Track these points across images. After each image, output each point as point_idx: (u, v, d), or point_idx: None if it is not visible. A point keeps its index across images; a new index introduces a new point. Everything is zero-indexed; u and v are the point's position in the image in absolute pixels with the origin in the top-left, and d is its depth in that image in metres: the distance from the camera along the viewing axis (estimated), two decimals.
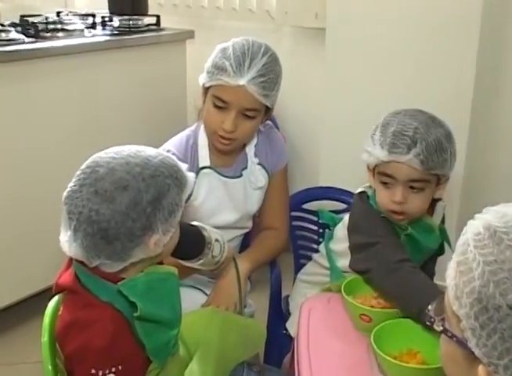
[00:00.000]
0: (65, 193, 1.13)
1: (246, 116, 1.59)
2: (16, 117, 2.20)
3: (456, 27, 2.09)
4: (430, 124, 1.40)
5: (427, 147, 1.37)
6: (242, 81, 1.54)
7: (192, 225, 1.41)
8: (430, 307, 0.81)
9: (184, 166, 1.21)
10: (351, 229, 1.54)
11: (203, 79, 1.62)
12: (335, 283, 1.54)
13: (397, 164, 1.40)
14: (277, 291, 1.88)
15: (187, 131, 1.73)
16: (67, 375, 1.17)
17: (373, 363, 1.24)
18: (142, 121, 2.61)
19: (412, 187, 1.41)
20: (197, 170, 1.67)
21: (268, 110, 1.66)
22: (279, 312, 1.87)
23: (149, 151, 1.18)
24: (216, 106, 1.59)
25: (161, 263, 1.24)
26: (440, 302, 0.80)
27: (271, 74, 1.58)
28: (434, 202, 1.52)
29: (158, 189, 1.11)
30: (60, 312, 1.18)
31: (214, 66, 1.58)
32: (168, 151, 1.53)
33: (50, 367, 1.17)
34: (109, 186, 1.09)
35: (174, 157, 1.21)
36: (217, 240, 1.43)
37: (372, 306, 1.37)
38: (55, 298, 1.26)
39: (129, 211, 1.09)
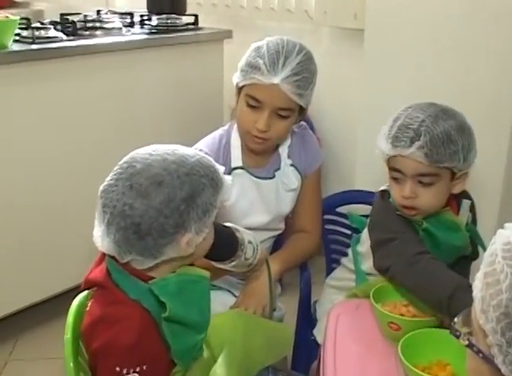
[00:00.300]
0: (101, 187, 1.14)
1: (279, 115, 1.57)
2: (53, 115, 2.23)
3: (501, 26, 2.02)
4: (441, 116, 1.36)
5: (431, 140, 1.33)
6: (276, 80, 1.52)
7: (225, 226, 1.39)
8: (456, 319, 0.77)
9: (221, 168, 1.20)
10: (371, 227, 1.51)
11: (236, 78, 1.61)
12: (359, 287, 1.51)
13: (402, 158, 1.37)
14: (306, 295, 1.85)
15: (220, 131, 1.72)
16: (91, 374, 1.16)
17: (400, 374, 1.20)
18: (178, 120, 2.61)
19: (421, 182, 1.38)
20: (229, 170, 1.65)
21: (302, 110, 1.63)
22: (307, 317, 1.84)
23: (186, 150, 1.17)
24: (249, 106, 1.57)
25: (192, 265, 1.22)
26: (467, 314, 0.76)
27: (305, 72, 1.56)
28: (459, 199, 1.48)
29: (193, 188, 1.11)
30: (88, 308, 1.18)
31: (248, 64, 1.56)
32: (201, 151, 1.51)
33: (72, 365, 1.16)
34: (144, 181, 1.09)
35: (211, 159, 1.20)
36: (250, 242, 1.41)
37: (402, 314, 1.34)
38: (80, 297, 1.26)
39: (162, 207, 1.08)
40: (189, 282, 1.16)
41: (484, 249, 1.39)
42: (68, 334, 1.20)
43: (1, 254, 2.20)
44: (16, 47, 2.14)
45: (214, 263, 1.37)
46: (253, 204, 1.68)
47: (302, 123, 1.77)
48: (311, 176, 1.78)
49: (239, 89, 1.61)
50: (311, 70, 1.59)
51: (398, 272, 1.34)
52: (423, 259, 1.32)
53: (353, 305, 1.48)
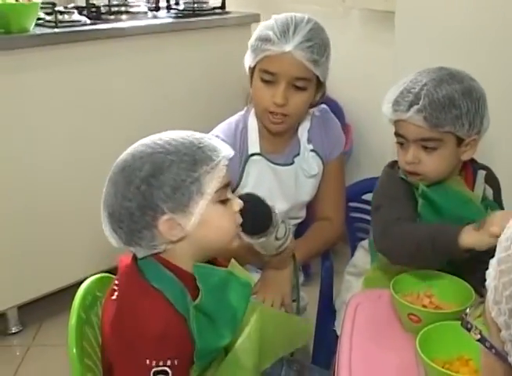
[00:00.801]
0: None
1: (296, 87, 1.51)
2: (77, 100, 2.21)
3: None
4: (446, 80, 1.32)
5: (430, 103, 1.30)
6: (288, 47, 1.47)
7: (260, 198, 1.33)
8: (468, 310, 0.69)
9: (216, 143, 1.11)
10: (372, 195, 1.49)
11: (248, 60, 1.56)
12: (373, 265, 1.47)
13: (404, 122, 1.34)
14: (328, 285, 1.78)
15: (236, 116, 1.66)
16: (104, 365, 1.13)
17: (420, 370, 1.13)
18: (204, 105, 2.56)
19: (425, 146, 1.34)
20: (246, 157, 1.59)
21: (319, 85, 1.57)
22: (329, 309, 1.76)
23: (175, 134, 1.10)
24: (264, 81, 1.52)
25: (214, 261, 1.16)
26: (479, 305, 0.68)
27: (317, 39, 1.50)
28: (475, 169, 1.43)
29: (154, 166, 1.04)
30: (110, 296, 1.12)
31: (258, 39, 1.51)
32: (217, 137, 1.46)
33: (75, 351, 1.13)
34: (115, 169, 1.08)
35: (200, 135, 1.11)
36: (283, 222, 1.36)
37: (424, 306, 1.26)
38: (88, 282, 1.23)
39: (125, 191, 1.05)
40: (236, 283, 1.12)
41: None
42: (73, 320, 1.16)
43: (26, 240, 2.20)
44: (39, 31, 2.13)
45: (243, 236, 1.30)
46: (271, 191, 1.61)
47: (323, 106, 1.70)
48: (333, 162, 1.71)
49: (252, 71, 1.56)
50: (324, 39, 1.54)
51: (375, 238, 1.34)
52: (401, 224, 1.31)
53: (373, 295, 1.41)
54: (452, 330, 1.14)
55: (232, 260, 1.18)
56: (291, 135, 1.65)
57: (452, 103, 1.31)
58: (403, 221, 1.33)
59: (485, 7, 2.05)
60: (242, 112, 1.67)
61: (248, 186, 1.59)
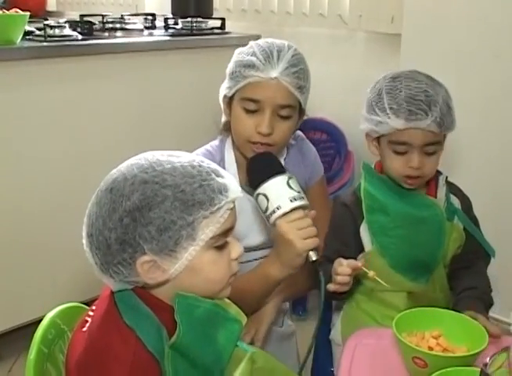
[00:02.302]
0: None
1: (281, 117, 1.42)
2: (64, 116, 2.11)
3: None
4: (433, 85, 1.37)
5: (441, 109, 1.34)
6: (274, 73, 1.39)
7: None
8: (488, 360, 0.56)
9: (231, 188, 0.96)
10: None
11: (225, 88, 1.47)
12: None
13: (414, 130, 1.34)
14: (326, 323, 1.59)
15: (210, 147, 1.56)
16: None
17: None
18: (201, 125, 2.43)
19: (426, 151, 1.37)
20: None
21: (300, 112, 1.49)
22: (327, 345, 1.61)
23: (181, 157, 0.96)
24: (247, 111, 1.42)
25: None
26: (501, 353, 0.55)
27: (301, 64, 1.44)
28: (436, 175, 1.47)
29: (144, 198, 0.90)
30: (85, 329, 0.99)
31: (239, 65, 1.42)
32: None
33: None
34: (103, 186, 0.95)
35: (213, 167, 0.97)
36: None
37: (430, 348, 1.13)
38: (53, 312, 1.09)
39: (106, 217, 0.91)
40: (223, 318, 0.98)
41: (480, 239, 1.46)
42: (32, 355, 1.02)
43: (4, 268, 2.07)
44: (27, 44, 2.03)
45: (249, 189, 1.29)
46: (248, 225, 1.52)
47: (299, 133, 1.64)
48: (314, 187, 1.64)
49: (229, 101, 1.47)
50: (306, 65, 1.47)
51: None
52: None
53: (374, 334, 1.28)
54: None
55: None
56: None
57: (449, 106, 1.37)
58: (325, 263, 1.35)
59: (495, 32, 1.99)
60: (214, 143, 1.57)
61: None
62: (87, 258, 0.99)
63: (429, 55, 2.12)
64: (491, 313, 1.89)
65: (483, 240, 1.49)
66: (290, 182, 1.27)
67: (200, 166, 0.95)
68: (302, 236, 1.25)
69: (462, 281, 1.45)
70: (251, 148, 1.44)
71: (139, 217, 0.90)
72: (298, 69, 1.42)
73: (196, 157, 0.98)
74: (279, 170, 1.29)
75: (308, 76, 1.46)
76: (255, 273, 1.38)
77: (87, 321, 1.00)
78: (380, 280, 1.27)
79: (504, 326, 2.11)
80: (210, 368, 0.96)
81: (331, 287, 1.28)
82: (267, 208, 1.26)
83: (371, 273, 1.27)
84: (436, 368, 1.02)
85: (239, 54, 1.46)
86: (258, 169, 1.31)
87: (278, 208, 1.25)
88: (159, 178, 0.91)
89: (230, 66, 1.46)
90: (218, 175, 0.96)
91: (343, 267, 1.28)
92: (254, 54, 1.41)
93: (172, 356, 0.92)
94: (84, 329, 0.99)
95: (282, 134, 1.44)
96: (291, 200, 1.25)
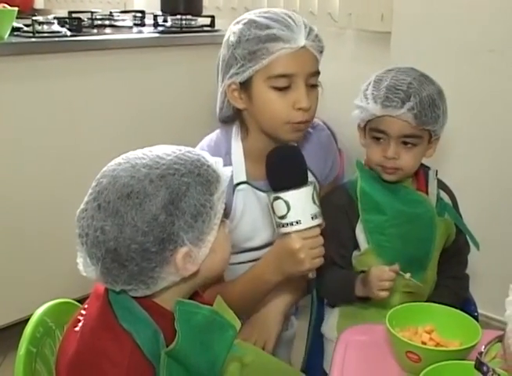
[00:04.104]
0: (76, 214, 0.95)
1: (311, 86, 1.33)
2: (52, 112, 2.09)
3: None
4: (423, 81, 1.39)
5: (420, 102, 1.35)
6: (302, 42, 1.28)
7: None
8: (483, 349, 0.56)
9: (215, 160, 0.98)
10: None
11: (235, 75, 1.33)
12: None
13: (390, 118, 1.37)
14: (319, 322, 1.58)
15: (214, 139, 1.46)
16: None
17: None
18: (188, 122, 2.43)
19: (404, 143, 1.38)
20: (233, 187, 1.41)
21: None
22: (319, 346, 1.58)
23: (163, 149, 0.96)
24: (278, 90, 1.30)
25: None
26: (495, 343, 0.54)
27: (313, 26, 1.34)
28: (425, 171, 1.49)
29: (172, 191, 0.90)
30: (78, 328, 0.98)
31: (258, 42, 1.27)
32: None
33: None
34: (111, 196, 0.90)
35: (199, 151, 0.98)
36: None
37: (423, 342, 1.12)
38: (42, 309, 1.07)
39: (137, 222, 0.88)
40: (219, 324, 0.98)
41: (467, 233, 1.48)
42: (22, 351, 1.00)
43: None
44: (15, 40, 2.01)
45: (273, 193, 1.20)
46: (255, 223, 1.46)
47: (318, 122, 1.56)
48: (326, 188, 1.54)
49: (243, 86, 1.33)
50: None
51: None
52: (328, 271, 1.40)
53: (366, 330, 1.27)
54: (457, 371, 1.00)
55: (219, 297, 1.03)
56: None
57: (433, 103, 1.37)
58: (329, 266, 1.37)
59: (483, 31, 2.00)
60: (218, 134, 1.47)
61: (234, 221, 1.42)
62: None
63: (419, 52, 2.12)
64: (484, 312, 1.90)
65: (470, 235, 1.50)
66: (315, 195, 1.22)
67: (191, 152, 0.97)
68: (312, 256, 1.23)
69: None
70: (290, 128, 1.33)
71: (174, 210, 0.89)
72: (316, 31, 1.33)
73: (178, 146, 0.98)
74: (306, 178, 1.22)
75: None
76: (249, 275, 1.35)
77: (79, 320, 0.99)
78: (415, 281, 1.34)
79: (494, 323, 2.13)
80: (204, 375, 0.96)
81: (380, 293, 1.30)
82: (284, 217, 1.21)
83: (407, 275, 1.32)
84: (429, 362, 1.02)
85: (246, 31, 1.30)
86: (284, 171, 1.21)
87: (297, 223, 1.21)
88: (171, 169, 0.92)
89: (244, 45, 1.29)
90: (206, 156, 0.99)
91: (387, 273, 1.29)
92: (268, 27, 1.28)
93: (168, 362, 0.91)
94: (77, 329, 0.97)
95: (315, 105, 1.36)
96: (312, 218, 1.22)
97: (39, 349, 1.04)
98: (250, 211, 1.44)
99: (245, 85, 1.33)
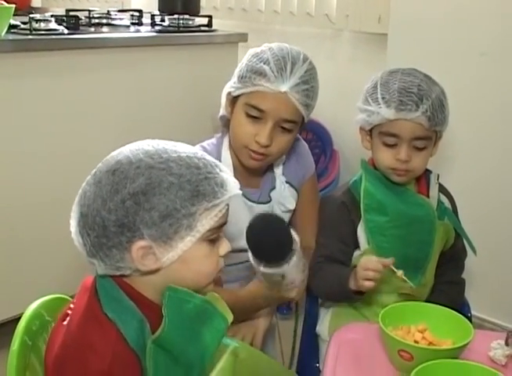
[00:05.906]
0: None
1: (283, 129, 1.39)
2: (49, 110, 2.07)
3: None
4: (429, 82, 1.39)
5: (432, 104, 1.36)
6: (284, 88, 1.35)
7: (283, 220, 1.22)
8: None
9: (231, 187, 0.96)
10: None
11: (232, 87, 1.42)
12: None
13: (403, 121, 1.36)
14: (312, 320, 1.58)
15: (206, 145, 1.51)
16: None
17: None
18: (185, 122, 2.43)
19: (415, 145, 1.39)
20: None
21: (302, 124, 1.46)
22: (313, 341, 1.60)
23: (184, 148, 0.96)
24: (249, 117, 1.39)
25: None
26: None
27: (313, 81, 1.41)
28: (427, 173, 1.49)
29: (149, 182, 0.90)
30: (66, 322, 0.98)
31: (250, 70, 1.38)
32: None
33: None
34: (104, 167, 0.94)
35: (218, 165, 0.98)
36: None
37: (415, 341, 1.13)
38: (36, 303, 1.07)
39: (107, 198, 0.90)
40: (211, 315, 0.97)
41: (465, 237, 1.50)
42: (15, 346, 1.00)
43: None
44: (12, 37, 2.00)
45: (256, 265, 1.19)
46: (240, 226, 1.46)
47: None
48: (306, 186, 1.60)
49: (233, 99, 1.43)
50: (317, 81, 1.45)
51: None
52: (324, 266, 1.43)
53: (359, 329, 1.28)
54: (449, 369, 1.01)
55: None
56: (267, 170, 1.54)
57: (442, 104, 1.39)
58: (328, 262, 1.42)
59: (481, 30, 2.01)
60: (212, 141, 1.53)
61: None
62: (72, 248, 0.98)
63: (415, 54, 2.13)
64: (478, 314, 1.91)
65: (468, 239, 1.51)
66: (301, 254, 1.22)
67: (204, 159, 0.97)
68: (299, 291, 1.31)
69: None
70: (247, 154, 1.42)
71: (143, 201, 0.90)
72: (309, 87, 1.39)
73: (199, 150, 0.99)
74: (292, 244, 1.19)
75: (316, 94, 1.43)
76: (245, 293, 1.39)
77: (68, 314, 0.99)
78: (407, 280, 1.31)
79: (487, 324, 2.14)
80: (192, 365, 0.95)
81: (364, 283, 1.27)
82: (278, 283, 1.25)
83: (399, 273, 1.29)
84: (422, 361, 1.03)
85: (252, 57, 1.41)
86: (270, 244, 1.19)
87: (292, 283, 1.26)
88: (165, 164, 0.92)
89: (241, 68, 1.41)
90: (221, 170, 0.98)
91: (374, 263, 1.28)
92: (267, 62, 1.36)
93: (154, 351, 0.91)
94: (65, 322, 0.98)
95: (280, 146, 1.41)
96: (303, 270, 1.27)
97: (34, 342, 1.03)
98: (239, 219, 1.43)
99: (234, 100, 1.44)
